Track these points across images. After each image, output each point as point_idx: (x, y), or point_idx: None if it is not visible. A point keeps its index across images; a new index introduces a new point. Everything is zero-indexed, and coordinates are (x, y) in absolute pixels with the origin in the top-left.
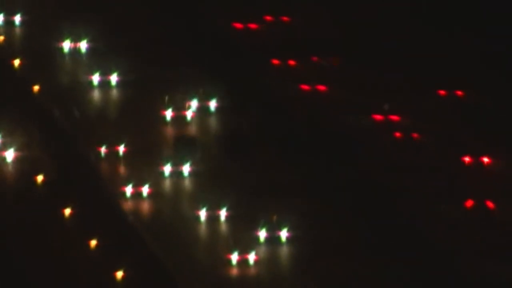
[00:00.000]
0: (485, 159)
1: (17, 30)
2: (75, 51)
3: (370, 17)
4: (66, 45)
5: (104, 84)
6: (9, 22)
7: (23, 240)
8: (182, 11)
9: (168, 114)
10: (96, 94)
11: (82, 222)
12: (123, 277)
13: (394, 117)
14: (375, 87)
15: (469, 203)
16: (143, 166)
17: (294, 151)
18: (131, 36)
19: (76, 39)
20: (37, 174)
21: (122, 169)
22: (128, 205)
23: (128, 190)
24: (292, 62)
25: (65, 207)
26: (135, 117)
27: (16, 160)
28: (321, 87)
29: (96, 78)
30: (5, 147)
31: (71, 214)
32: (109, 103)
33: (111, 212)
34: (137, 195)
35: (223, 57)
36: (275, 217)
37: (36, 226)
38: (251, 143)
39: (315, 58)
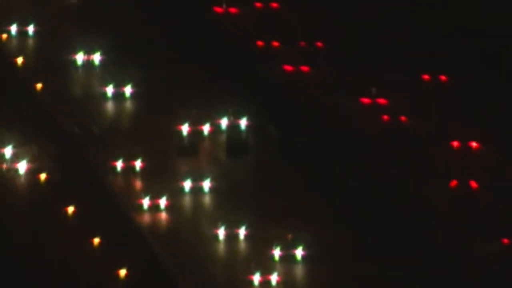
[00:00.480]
0: (473, 144)
1: (30, 41)
2: (88, 63)
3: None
4: (80, 57)
5: (118, 96)
6: (22, 33)
7: (36, 253)
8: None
9: (185, 128)
10: (110, 106)
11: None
12: None
13: (382, 101)
14: (363, 72)
15: (453, 183)
16: (160, 181)
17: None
18: (146, 48)
19: (89, 51)
20: (51, 187)
21: (138, 184)
22: (144, 220)
23: (145, 203)
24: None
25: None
26: (150, 131)
27: (29, 172)
28: (305, 68)
29: (110, 90)
30: (17, 158)
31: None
32: (124, 115)
33: (126, 226)
34: (154, 209)
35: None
36: (290, 236)
37: (50, 241)
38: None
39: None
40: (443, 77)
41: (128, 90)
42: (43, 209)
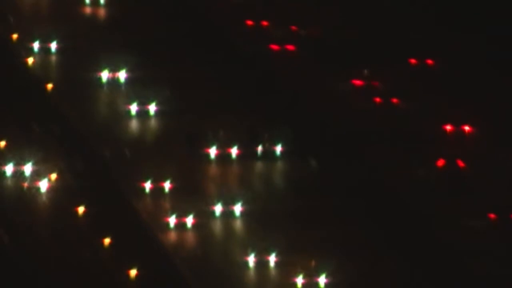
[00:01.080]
0: (466, 128)
1: (53, 58)
2: (113, 81)
3: None
4: (104, 75)
5: (143, 114)
6: (45, 49)
7: (61, 275)
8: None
9: (212, 152)
10: (134, 124)
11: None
12: None
13: (374, 83)
14: (356, 54)
15: (440, 162)
16: (189, 202)
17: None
18: (171, 66)
19: (114, 69)
20: (75, 205)
21: (167, 206)
22: (172, 240)
23: (172, 221)
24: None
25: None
26: (177, 151)
27: (51, 190)
28: (290, 47)
29: (134, 108)
30: (38, 176)
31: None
32: (149, 134)
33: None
34: (182, 230)
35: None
36: (313, 263)
37: (75, 262)
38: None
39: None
40: (430, 61)
41: (152, 108)
42: (66, 227)
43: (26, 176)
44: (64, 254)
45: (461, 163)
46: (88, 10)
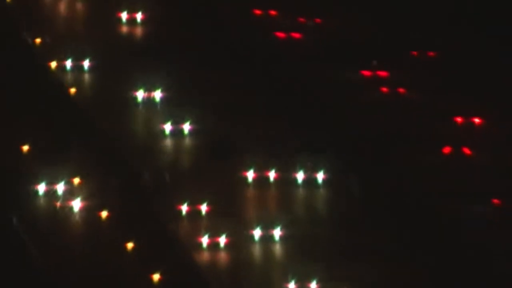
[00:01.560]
0: (476, 120)
1: (86, 76)
2: (149, 100)
3: None
4: (140, 94)
5: (177, 133)
6: (77, 67)
7: None
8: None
9: (250, 175)
10: (168, 144)
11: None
12: None
13: (382, 73)
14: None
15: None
16: (226, 226)
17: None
18: (205, 84)
19: (150, 89)
20: (109, 225)
21: (203, 230)
22: (208, 263)
23: (205, 241)
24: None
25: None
26: (212, 173)
27: (84, 209)
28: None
29: (168, 127)
30: (72, 195)
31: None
32: (184, 154)
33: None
34: (217, 253)
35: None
36: None
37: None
38: None
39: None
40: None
41: (186, 127)
42: (100, 247)
43: (59, 196)
44: (97, 274)
45: (467, 151)
46: (124, 28)
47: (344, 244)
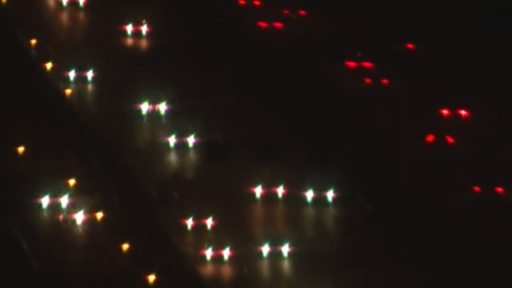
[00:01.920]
0: (463, 112)
1: (89, 87)
2: (153, 113)
3: None
4: (144, 107)
5: (181, 146)
6: (81, 78)
7: None
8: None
9: (258, 191)
10: (173, 157)
11: None
12: None
13: (367, 64)
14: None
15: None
16: (233, 242)
17: None
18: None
19: (155, 101)
20: (112, 239)
21: (209, 244)
22: (218, 283)
23: (208, 254)
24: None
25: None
26: (218, 186)
27: (87, 222)
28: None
29: (172, 140)
30: (75, 208)
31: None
32: (188, 168)
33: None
34: (226, 272)
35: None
36: None
37: None
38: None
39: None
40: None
41: (191, 140)
42: (103, 261)
43: (63, 209)
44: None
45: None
46: (129, 41)
47: (353, 259)
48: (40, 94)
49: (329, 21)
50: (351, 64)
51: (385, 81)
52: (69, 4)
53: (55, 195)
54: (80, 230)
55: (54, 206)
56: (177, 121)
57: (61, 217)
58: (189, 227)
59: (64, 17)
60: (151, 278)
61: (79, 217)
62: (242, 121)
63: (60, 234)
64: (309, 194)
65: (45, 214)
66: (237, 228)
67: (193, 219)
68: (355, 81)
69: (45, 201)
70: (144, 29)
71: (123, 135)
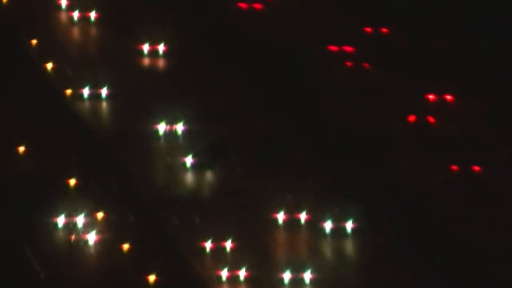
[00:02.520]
0: (448, 97)
1: (104, 105)
2: (171, 133)
3: None
4: (162, 127)
5: (197, 166)
6: (95, 95)
7: None
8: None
9: (280, 217)
10: (189, 177)
11: None
12: None
13: (348, 48)
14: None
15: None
16: (255, 269)
17: None
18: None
19: (172, 121)
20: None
21: (228, 269)
22: None
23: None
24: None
25: None
26: (238, 211)
27: (99, 242)
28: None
29: (189, 160)
30: (87, 229)
31: None
32: (205, 189)
33: None
34: None
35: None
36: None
37: None
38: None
39: None
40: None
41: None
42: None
43: (78, 228)
44: None
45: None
46: (146, 61)
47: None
48: (64, 120)
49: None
50: (333, 48)
51: (366, 64)
52: (79, 19)
53: (70, 215)
54: (93, 251)
55: (70, 227)
56: (194, 141)
57: (74, 237)
58: (207, 249)
59: (77, 33)
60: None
61: (92, 237)
62: (267, 146)
63: (73, 254)
64: (328, 225)
65: (61, 234)
66: (258, 252)
67: (212, 242)
68: (336, 65)
69: (60, 220)
70: (161, 48)
71: (140, 155)
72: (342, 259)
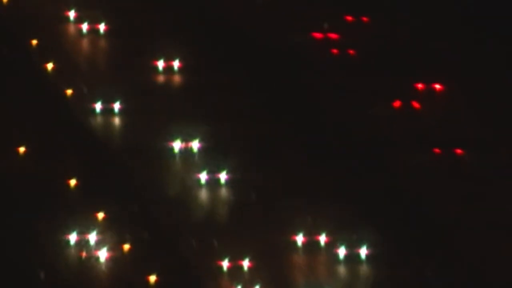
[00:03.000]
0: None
1: (116, 120)
2: (186, 151)
3: None
4: (177, 145)
5: (213, 182)
6: (107, 110)
7: None
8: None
9: (299, 239)
10: (203, 194)
11: None
12: None
13: (333, 35)
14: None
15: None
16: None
17: None
18: (244, 135)
19: (187, 139)
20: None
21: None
22: None
23: None
24: None
25: None
26: (255, 230)
27: (111, 260)
28: None
29: (203, 177)
30: (98, 246)
31: None
32: (220, 207)
33: None
34: None
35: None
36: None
37: None
38: None
39: None
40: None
41: (223, 176)
42: None
43: (90, 246)
44: None
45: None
46: (161, 78)
47: None
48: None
49: None
50: (317, 35)
51: (351, 51)
52: (89, 31)
53: (83, 231)
54: (104, 268)
55: (82, 243)
56: (209, 158)
57: (84, 254)
58: (224, 269)
59: (86, 44)
60: None
61: (103, 255)
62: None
63: (85, 271)
64: (342, 251)
65: (73, 251)
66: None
67: (229, 261)
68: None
69: (72, 237)
70: (176, 64)
71: (154, 173)
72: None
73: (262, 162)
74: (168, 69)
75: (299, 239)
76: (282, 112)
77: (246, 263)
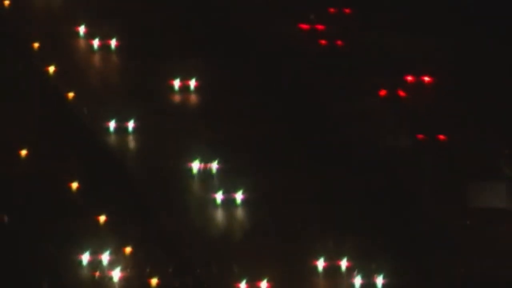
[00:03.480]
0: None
1: (130, 139)
2: (204, 172)
3: None
4: (196, 165)
5: (229, 202)
6: (122, 129)
7: None
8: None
9: (320, 264)
10: (220, 214)
11: None
12: None
13: (320, 27)
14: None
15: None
16: None
17: None
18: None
19: (206, 160)
20: None
21: None
22: None
23: None
24: None
25: None
26: (272, 251)
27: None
28: None
29: (219, 196)
30: (111, 266)
31: None
32: (236, 227)
33: None
34: None
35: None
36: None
37: None
38: None
39: None
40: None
41: (239, 196)
42: None
43: (103, 266)
44: None
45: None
46: (177, 98)
47: None
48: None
49: None
50: (304, 26)
51: (339, 42)
52: (100, 47)
53: (95, 252)
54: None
55: (96, 264)
56: (226, 178)
57: (97, 273)
58: None
59: (98, 61)
60: None
61: (117, 275)
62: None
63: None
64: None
65: (85, 271)
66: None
67: (246, 283)
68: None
69: (85, 257)
70: (192, 83)
71: (172, 192)
72: None
73: (263, 162)
74: (185, 88)
75: (320, 263)
76: (282, 112)
77: (264, 285)
